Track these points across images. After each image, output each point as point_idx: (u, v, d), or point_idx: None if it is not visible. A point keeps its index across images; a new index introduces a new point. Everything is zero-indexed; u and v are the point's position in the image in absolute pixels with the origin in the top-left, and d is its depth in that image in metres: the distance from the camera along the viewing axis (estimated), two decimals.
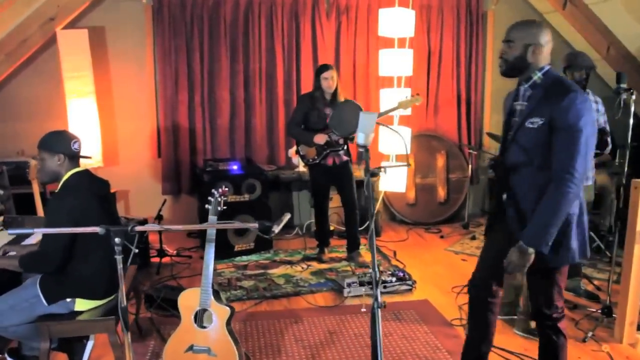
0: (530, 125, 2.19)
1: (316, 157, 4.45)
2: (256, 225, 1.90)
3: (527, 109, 2.25)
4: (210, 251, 2.66)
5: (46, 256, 2.52)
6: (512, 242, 2.23)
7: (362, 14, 5.67)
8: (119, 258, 1.83)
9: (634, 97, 3.23)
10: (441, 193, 5.97)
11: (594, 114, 2.21)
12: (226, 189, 2.69)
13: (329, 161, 4.46)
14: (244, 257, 4.87)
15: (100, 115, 5.17)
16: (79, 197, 2.56)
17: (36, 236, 3.01)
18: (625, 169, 3.34)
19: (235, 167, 4.97)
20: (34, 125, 5.19)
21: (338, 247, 5.06)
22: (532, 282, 2.43)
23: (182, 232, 5.55)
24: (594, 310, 3.68)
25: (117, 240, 1.81)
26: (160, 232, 4.66)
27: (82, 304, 2.67)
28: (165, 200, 4.74)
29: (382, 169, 1.99)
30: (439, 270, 4.60)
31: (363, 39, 5.75)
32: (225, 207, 2.68)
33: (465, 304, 3.86)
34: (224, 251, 4.81)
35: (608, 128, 3.69)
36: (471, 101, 6.09)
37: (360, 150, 1.92)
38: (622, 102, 3.28)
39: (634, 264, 3.19)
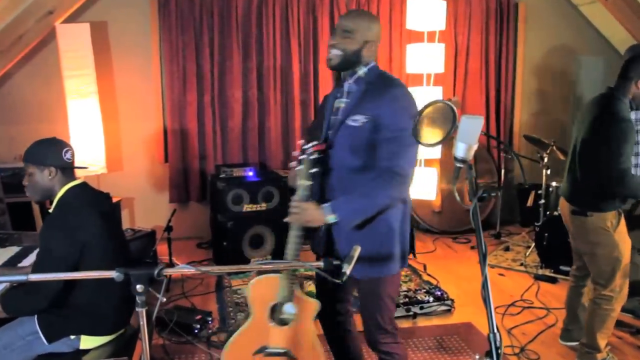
0: (353, 124, 2.05)
1: None
2: (321, 264, 1.48)
3: (349, 106, 2.12)
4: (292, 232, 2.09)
5: (37, 293, 2.11)
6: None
7: (385, 6, 5.27)
8: (141, 312, 1.40)
9: None
10: (459, 196, 5.57)
11: (415, 108, 2.04)
12: (318, 144, 2.07)
13: None
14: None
15: (103, 117, 4.77)
16: (78, 215, 2.17)
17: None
18: None
19: (250, 173, 4.57)
20: (32, 128, 4.79)
21: None
22: (362, 302, 2.25)
23: (192, 243, 5.15)
24: None
25: (139, 287, 1.38)
26: (169, 246, 4.25)
27: (88, 341, 2.26)
28: (175, 210, 4.33)
29: (496, 193, 1.57)
30: (477, 287, 4.14)
31: (386, 34, 5.35)
32: (316, 170, 2.05)
33: (514, 327, 3.49)
34: (239, 265, 4.40)
35: None
36: (500, 101, 5.68)
37: (459, 165, 1.51)
38: None
39: None
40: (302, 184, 2.00)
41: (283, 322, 2.14)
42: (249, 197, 4.41)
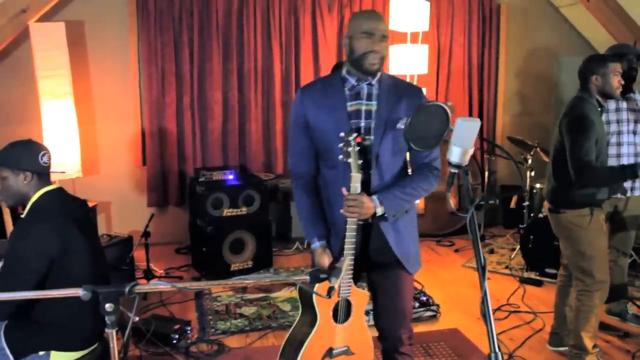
0: (400, 126, 2.03)
1: None
2: (307, 278, 1.37)
3: (383, 109, 2.05)
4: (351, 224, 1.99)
5: None
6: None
7: (367, 6, 5.20)
8: (111, 333, 1.28)
9: None
10: (452, 202, 5.52)
11: None
12: (358, 136, 1.98)
13: None
14: (242, 278, 4.35)
15: (79, 119, 4.61)
16: (50, 221, 2.04)
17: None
18: None
19: (231, 176, 4.46)
20: (5, 130, 4.60)
21: None
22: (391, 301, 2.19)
23: (170, 249, 5.01)
24: None
25: (108, 307, 1.26)
26: (147, 252, 4.12)
27: (58, 358, 2.13)
28: (152, 215, 4.21)
29: (494, 201, 1.49)
30: (462, 291, 4.14)
31: None
32: (362, 162, 1.96)
33: (501, 332, 3.43)
34: (219, 271, 4.29)
35: None
36: (483, 102, 5.66)
37: (453, 171, 1.42)
38: None
39: None
40: (355, 176, 1.93)
41: (343, 319, 2.09)
42: (229, 201, 4.31)
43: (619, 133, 3.13)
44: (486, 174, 5.54)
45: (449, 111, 1.47)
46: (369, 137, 2.05)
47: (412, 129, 1.51)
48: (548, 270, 4.31)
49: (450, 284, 4.26)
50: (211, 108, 5.08)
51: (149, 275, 4.12)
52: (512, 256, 4.67)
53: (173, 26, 4.88)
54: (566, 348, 3.02)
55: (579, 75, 2.89)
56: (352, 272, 2.04)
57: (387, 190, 2.03)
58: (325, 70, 5.19)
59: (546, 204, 3.02)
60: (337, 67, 4.11)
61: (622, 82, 2.83)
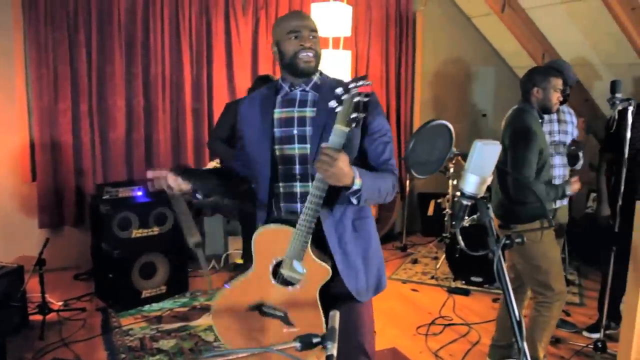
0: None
1: None
2: (297, 345, 1.05)
3: (323, 116, 1.80)
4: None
5: None
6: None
7: (284, 9, 4.94)
8: None
9: (631, 107, 2.84)
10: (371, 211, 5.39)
11: None
12: (365, 85, 1.64)
13: None
14: (155, 305, 3.90)
15: None
16: None
17: None
18: (622, 188, 2.95)
19: (139, 193, 3.99)
20: None
21: None
22: (348, 328, 1.94)
23: (68, 275, 4.42)
24: (584, 345, 3.27)
25: None
26: (42, 282, 3.54)
27: None
28: (47, 240, 3.62)
29: (520, 239, 1.24)
30: (393, 305, 3.99)
31: None
32: (357, 115, 1.60)
33: (440, 348, 3.31)
34: (128, 299, 3.82)
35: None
36: (401, 109, 5.61)
37: (465, 203, 1.19)
38: (616, 114, 2.91)
39: None
40: (339, 128, 1.59)
41: (286, 282, 1.80)
42: (139, 220, 3.84)
43: (550, 144, 3.15)
44: (407, 182, 5.48)
45: (452, 130, 1.24)
46: (303, 146, 1.83)
47: (414, 154, 1.27)
48: (474, 279, 4.29)
49: (379, 299, 4.06)
50: (113, 116, 4.56)
51: (44, 309, 3.54)
52: (438, 266, 4.61)
53: (67, 22, 4.31)
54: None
55: (521, 86, 2.86)
56: (306, 241, 1.73)
57: (364, 170, 1.74)
58: (240, 76, 4.87)
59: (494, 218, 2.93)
60: (263, 80, 3.81)
61: (561, 99, 2.87)
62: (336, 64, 4.30)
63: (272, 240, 1.81)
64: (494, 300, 4.05)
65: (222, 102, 4.85)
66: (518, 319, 1.13)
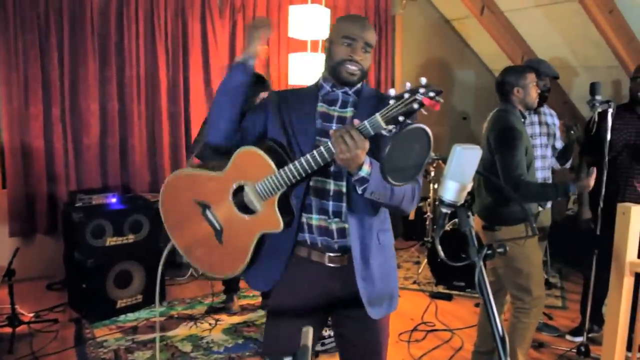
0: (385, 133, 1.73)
1: None
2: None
3: (362, 117, 1.70)
4: None
5: None
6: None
7: (262, 12, 4.87)
8: None
9: (611, 110, 2.83)
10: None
11: None
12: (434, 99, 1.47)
13: None
14: (130, 315, 3.78)
15: None
16: None
17: None
18: (603, 191, 2.94)
19: (114, 199, 3.88)
20: None
21: (248, 291, 4.17)
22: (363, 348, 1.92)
23: (40, 285, 4.27)
24: (568, 349, 3.24)
25: None
26: (11, 294, 3.41)
27: None
28: (17, 249, 3.49)
29: (502, 249, 1.19)
30: None
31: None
32: (403, 119, 1.49)
33: (423, 355, 3.25)
34: (103, 309, 3.71)
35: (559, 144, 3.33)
36: None
37: (445, 211, 1.12)
38: (596, 116, 2.90)
39: (623, 299, 2.76)
40: (378, 119, 1.47)
41: (240, 206, 1.76)
42: (113, 228, 3.73)
43: (532, 147, 3.12)
44: None
45: (430, 134, 1.18)
46: None
47: (391, 160, 1.20)
48: (456, 283, 4.26)
49: None
50: (86, 121, 4.43)
51: (14, 321, 3.40)
52: (420, 270, 4.57)
53: (38, 24, 4.18)
54: None
55: (497, 88, 2.82)
56: (278, 189, 1.67)
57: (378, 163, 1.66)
58: (217, 79, 4.78)
59: (476, 219, 2.88)
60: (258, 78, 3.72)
61: (539, 92, 2.83)
62: (314, 68, 4.24)
63: (253, 164, 1.72)
64: (477, 305, 4.01)
65: (199, 105, 4.77)
66: (501, 334, 1.07)
